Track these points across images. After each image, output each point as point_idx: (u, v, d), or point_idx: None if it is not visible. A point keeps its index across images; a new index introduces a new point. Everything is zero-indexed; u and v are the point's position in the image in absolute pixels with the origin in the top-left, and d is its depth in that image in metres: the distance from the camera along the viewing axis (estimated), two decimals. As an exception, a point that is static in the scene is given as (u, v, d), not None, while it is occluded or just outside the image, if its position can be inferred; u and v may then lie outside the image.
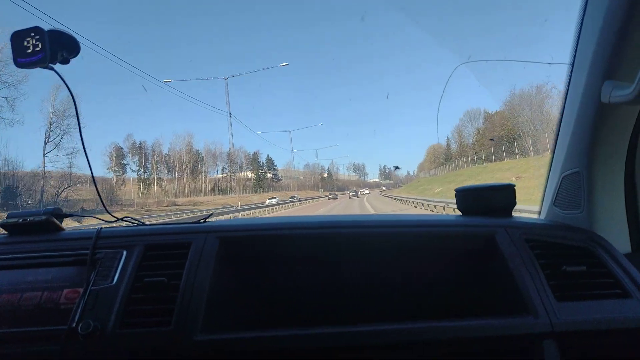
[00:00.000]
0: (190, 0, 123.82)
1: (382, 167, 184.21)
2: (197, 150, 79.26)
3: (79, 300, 0.90)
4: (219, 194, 75.19)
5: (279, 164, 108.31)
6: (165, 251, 1.02)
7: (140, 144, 73.13)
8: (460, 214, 1.24)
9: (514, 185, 1.18)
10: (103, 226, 1.10)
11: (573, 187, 1.10)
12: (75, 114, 0.97)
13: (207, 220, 1.16)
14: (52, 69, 0.89)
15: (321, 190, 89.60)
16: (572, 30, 1.01)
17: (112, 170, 69.19)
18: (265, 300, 1.10)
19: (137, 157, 72.45)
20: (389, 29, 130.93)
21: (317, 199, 60.89)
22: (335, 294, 1.10)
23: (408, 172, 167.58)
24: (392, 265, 1.11)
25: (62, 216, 1.10)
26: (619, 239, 1.07)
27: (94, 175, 1.22)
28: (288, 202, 48.73)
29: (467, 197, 1.24)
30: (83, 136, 1.07)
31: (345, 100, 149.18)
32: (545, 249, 1.04)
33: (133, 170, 72.59)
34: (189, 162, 75.53)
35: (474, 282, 1.10)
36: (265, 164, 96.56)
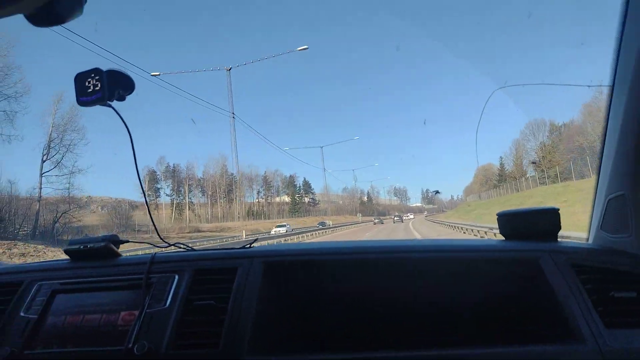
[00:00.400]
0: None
1: (424, 191, 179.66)
2: (232, 174, 75.01)
3: (135, 322, 0.97)
4: (253, 219, 69.96)
5: (317, 188, 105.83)
6: (213, 276, 1.10)
7: (173, 167, 73.65)
8: (504, 238, 1.25)
9: (558, 209, 1.19)
10: (156, 251, 1.19)
11: (619, 210, 1.09)
12: (132, 150, 1.18)
13: (252, 245, 1.24)
14: (110, 105, 0.97)
15: (359, 215, 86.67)
16: (610, 53, 1.00)
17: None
18: (310, 324, 1.15)
19: (170, 181, 73.01)
20: (424, 57, 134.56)
21: (355, 225, 55.86)
22: (379, 318, 1.14)
23: (452, 196, 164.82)
24: (435, 290, 1.14)
25: (119, 242, 1.21)
26: None
27: (148, 205, 1.47)
28: (313, 230, 39.76)
29: (510, 222, 1.24)
30: (139, 172, 1.19)
31: (383, 126, 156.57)
32: (592, 274, 1.02)
33: (166, 194, 72.78)
34: (223, 185, 71.00)
35: (518, 307, 1.10)
36: (302, 187, 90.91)
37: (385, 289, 1.13)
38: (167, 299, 1.03)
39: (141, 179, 1.18)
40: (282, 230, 36.45)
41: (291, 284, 1.14)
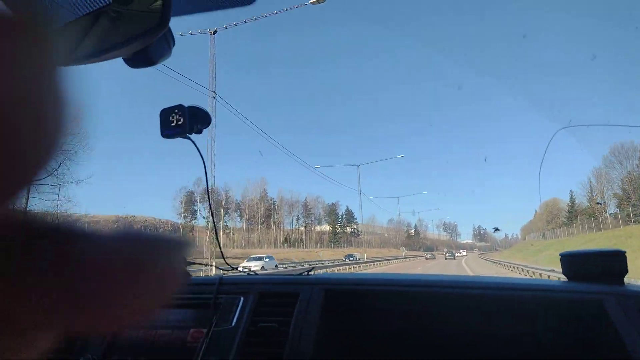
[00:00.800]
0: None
1: (475, 227, 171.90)
2: (272, 199, 72.13)
3: (203, 339, 1.05)
4: (289, 247, 65.66)
5: (361, 218, 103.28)
6: (276, 299, 1.16)
7: (211, 188, 66.74)
8: (567, 279, 1.24)
9: (625, 252, 1.18)
10: (223, 274, 1.27)
11: None
12: (205, 181, 1.23)
13: (310, 272, 1.32)
14: (189, 138, 1.09)
15: (403, 249, 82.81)
16: None
17: (181, 216, 70.56)
18: (366, 352, 1.19)
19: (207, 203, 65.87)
20: (486, 96, 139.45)
21: (398, 260, 51.57)
22: (432, 352, 1.16)
23: (506, 234, 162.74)
24: (491, 328, 1.14)
25: (187, 263, 1.36)
26: None
27: (217, 232, 1.55)
28: (334, 265, 30.48)
29: (574, 263, 1.24)
30: (211, 201, 1.28)
31: (442, 162, 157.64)
32: None
33: (203, 217, 71.76)
34: (262, 210, 67.52)
35: (580, 351, 1.10)
36: (344, 216, 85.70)
37: (442, 324, 1.15)
38: (233, 319, 1.11)
39: (212, 207, 1.29)
40: (256, 265, 24.72)
41: (350, 312, 1.19)
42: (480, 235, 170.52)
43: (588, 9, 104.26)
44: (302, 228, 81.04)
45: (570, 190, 63.39)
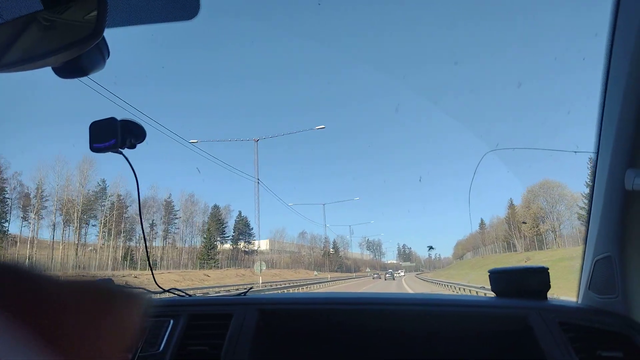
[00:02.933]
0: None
1: (400, 246, 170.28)
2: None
3: None
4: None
5: (266, 231, 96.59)
6: (207, 321, 1.14)
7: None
8: (495, 295, 1.37)
9: (548, 269, 1.30)
10: (153, 296, 1.26)
11: (606, 271, 1.18)
12: (137, 197, 1.23)
13: (247, 293, 1.32)
14: (121, 153, 1.04)
15: (315, 273, 72.52)
16: (594, 120, 1.15)
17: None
18: None
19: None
20: (421, 118, 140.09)
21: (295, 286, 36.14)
22: None
23: (429, 255, 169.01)
24: (422, 343, 1.21)
25: (117, 287, 1.32)
26: None
27: (148, 252, 1.53)
28: None
29: (501, 279, 1.35)
30: (143, 218, 1.26)
31: (379, 184, 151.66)
32: (579, 333, 1.09)
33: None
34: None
35: None
36: (236, 227, 64.42)
37: (377, 339, 1.19)
38: (161, 343, 1.05)
39: (144, 226, 1.28)
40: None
41: (286, 332, 1.19)
42: (405, 254, 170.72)
43: (512, 39, 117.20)
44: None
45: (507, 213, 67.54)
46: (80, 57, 0.62)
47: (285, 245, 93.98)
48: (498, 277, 1.34)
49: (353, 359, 1.19)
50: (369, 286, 34.24)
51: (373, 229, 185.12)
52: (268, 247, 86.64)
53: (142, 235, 1.35)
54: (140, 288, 1.31)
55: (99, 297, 0.20)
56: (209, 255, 60.83)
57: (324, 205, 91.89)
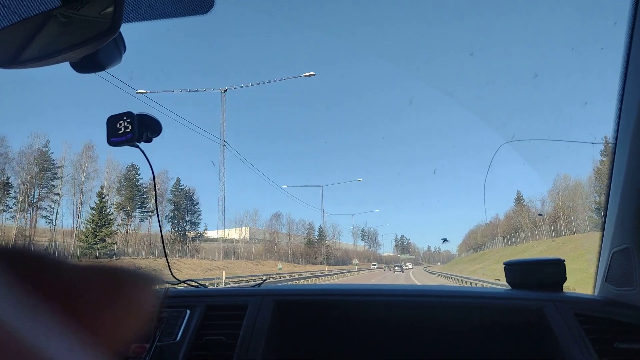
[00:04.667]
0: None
1: (398, 237, 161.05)
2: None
3: (145, 355, 1.04)
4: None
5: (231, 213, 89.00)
6: (224, 312, 1.18)
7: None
8: (510, 287, 1.42)
9: (564, 260, 1.35)
10: (169, 286, 1.30)
11: (624, 263, 1.22)
12: (154, 191, 1.28)
13: (262, 284, 1.38)
14: (137, 147, 1.07)
15: (279, 266, 53.67)
16: (612, 111, 1.18)
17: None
18: None
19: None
20: (436, 110, 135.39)
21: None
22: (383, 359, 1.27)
23: (429, 247, 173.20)
24: (439, 334, 1.26)
25: None
26: None
27: (163, 241, 1.43)
28: None
29: (516, 271, 1.39)
30: (158, 208, 1.27)
31: (391, 175, 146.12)
32: (596, 325, 1.13)
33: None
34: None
35: (521, 355, 1.22)
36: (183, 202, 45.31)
37: (390, 330, 1.24)
38: (178, 333, 1.09)
39: (160, 216, 1.30)
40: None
41: (301, 322, 1.24)
42: (403, 246, 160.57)
43: (528, 30, 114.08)
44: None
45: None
46: (97, 52, 0.63)
47: (259, 232, 76.64)
48: (513, 269, 1.37)
49: (367, 350, 1.24)
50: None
51: (377, 219, 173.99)
52: (245, 234, 75.64)
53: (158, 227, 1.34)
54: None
55: (116, 279, 0.20)
56: (97, 236, 40.68)
57: (321, 187, 77.27)
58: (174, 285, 1.33)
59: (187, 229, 58.20)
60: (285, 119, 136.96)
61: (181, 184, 59.23)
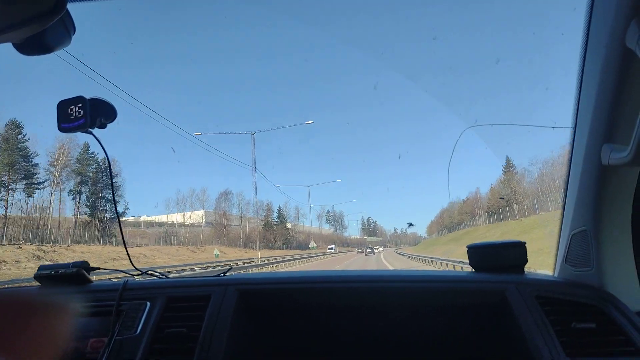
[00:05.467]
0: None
1: (364, 220, 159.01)
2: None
3: (104, 349, 1.03)
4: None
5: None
6: (185, 303, 1.17)
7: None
8: (473, 270, 1.47)
9: (525, 243, 1.40)
10: (129, 278, 1.27)
11: (582, 245, 1.28)
12: (109, 177, 1.28)
13: (226, 273, 1.37)
14: (90, 133, 1.05)
15: (216, 253, 41.14)
16: (572, 96, 1.23)
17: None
18: (282, 352, 1.26)
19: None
20: (400, 96, 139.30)
21: None
22: (348, 346, 1.28)
23: (395, 229, 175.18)
24: (403, 319, 1.30)
25: (90, 269, 1.27)
26: (630, 297, 1.22)
27: (122, 232, 1.40)
28: None
29: (479, 254, 1.42)
30: (116, 198, 1.25)
31: (359, 162, 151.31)
32: (555, 306, 1.19)
33: None
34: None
35: (484, 338, 1.29)
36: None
37: (355, 317, 1.27)
38: (137, 326, 1.07)
39: (117, 205, 1.40)
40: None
41: (266, 312, 1.24)
42: (369, 229, 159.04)
43: (491, 17, 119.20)
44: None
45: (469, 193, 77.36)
46: (43, 33, 0.59)
47: (211, 214, 70.09)
48: (476, 252, 1.40)
49: (333, 336, 1.26)
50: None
51: (354, 207, 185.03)
52: (200, 217, 70.02)
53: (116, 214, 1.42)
54: (119, 270, 1.37)
55: (24, 310, 0.20)
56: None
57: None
58: (134, 276, 1.30)
59: (100, 207, 47.23)
60: (245, 101, 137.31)
61: (91, 151, 48.27)
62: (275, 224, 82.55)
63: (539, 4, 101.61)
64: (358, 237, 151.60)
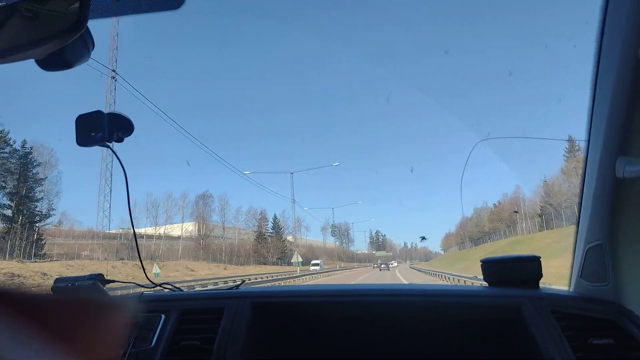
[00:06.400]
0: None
1: (372, 233, 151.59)
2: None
3: None
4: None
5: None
6: (200, 316, 1.20)
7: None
8: (487, 285, 1.49)
9: (540, 257, 1.41)
10: (144, 291, 1.31)
11: (598, 259, 1.28)
12: (126, 190, 1.21)
13: (240, 286, 1.41)
14: (108, 146, 1.07)
15: (156, 271, 30.73)
16: (585, 109, 1.24)
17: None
18: None
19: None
20: (412, 109, 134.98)
21: None
22: None
23: (405, 243, 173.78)
24: (417, 333, 1.32)
25: (105, 282, 1.29)
26: None
27: (137, 246, 1.42)
28: None
29: (493, 268, 1.43)
30: (131, 210, 1.27)
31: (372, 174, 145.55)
32: (571, 321, 1.20)
33: None
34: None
35: (499, 353, 1.29)
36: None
37: (370, 330, 1.28)
38: (152, 338, 1.09)
39: (133, 219, 1.33)
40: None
41: (280, 325, 1.26)
42: (378, 243, 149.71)
43: (503, 30, 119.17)
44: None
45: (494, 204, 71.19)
46: (64, 49, 0.62)
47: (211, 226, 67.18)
48: (490, 267, 1.40)
49: (346, 350, 1.27)
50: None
51: (359, 210, 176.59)
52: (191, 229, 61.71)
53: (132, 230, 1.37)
54: (134, 283, 1.38)
55: (82, 310, 0.20)
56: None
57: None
58: (149, 289, 1.32)
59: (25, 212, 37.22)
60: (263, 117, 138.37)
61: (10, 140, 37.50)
62: (270, 236, 71.80)
63: (551, 17, 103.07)
64: (366, 251, 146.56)
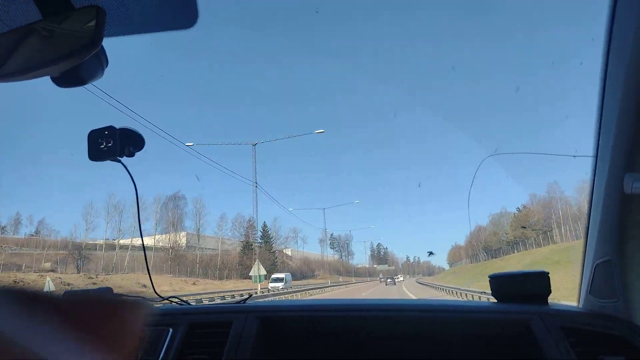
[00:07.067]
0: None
1: (374, 246, 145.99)
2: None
3: None
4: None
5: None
6: (207, 330, 1.21)
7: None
8: (495, 300, 1.52)
9: (548, 273, 1.42)
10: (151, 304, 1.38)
11: (607, 275, 1.30)
12: (136, 204, 1.24)
13: (247, 300, 1.43)
14: (119, 161, 1.10)
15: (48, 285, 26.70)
16: (592, 124, 1.27)
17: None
18: None
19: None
20: (419, 124, 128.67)
21: None
22: None
23: (407, 257, 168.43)
24: (424, 349, 1.33)
25: (115, 296, 1.39)
26: None
27: (147, 261, 1.41)
28: None
29: (502, 284, 1.45)
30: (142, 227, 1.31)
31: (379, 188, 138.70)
32: (581, 338, 1.21)
33: None
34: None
35: None
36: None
37: (379, 345, 1.29)
38: (160, 352, 1.10)
39: (142, 232, 1.34)
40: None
41: (287, 339, 1.27)
42: (379, 256, 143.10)
43: (510, 45, 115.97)
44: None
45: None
46: (79, 67, 0.64)
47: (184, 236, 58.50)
48: (498, 282, 1.41)
49: None
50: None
51: (372, 233, 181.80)
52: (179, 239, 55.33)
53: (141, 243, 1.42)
54: (139, 297, 1.46)
55: (99, 308, 0.21)
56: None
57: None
58: (157, 303, 1.35)
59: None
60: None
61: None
62: (259, 246, 59.88)
63: (557, 34, 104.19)
64: (367, 265, 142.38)
